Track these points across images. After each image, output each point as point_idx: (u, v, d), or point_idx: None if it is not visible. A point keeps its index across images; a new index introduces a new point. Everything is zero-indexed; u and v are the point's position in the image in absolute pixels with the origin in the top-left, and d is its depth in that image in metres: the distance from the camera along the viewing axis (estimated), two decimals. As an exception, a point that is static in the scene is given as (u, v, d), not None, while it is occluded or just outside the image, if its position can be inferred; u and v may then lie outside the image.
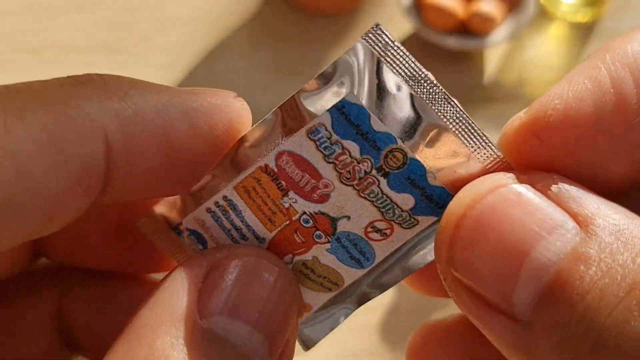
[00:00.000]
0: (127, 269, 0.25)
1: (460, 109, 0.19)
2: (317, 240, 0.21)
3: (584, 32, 0.61)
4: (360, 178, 0.20)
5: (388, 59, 0.19)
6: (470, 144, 0.19)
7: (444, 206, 0.19)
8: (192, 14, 0.59)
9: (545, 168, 0.19)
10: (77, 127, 0.18)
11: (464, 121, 0.19)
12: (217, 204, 0.21)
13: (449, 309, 0.23)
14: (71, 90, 0.18)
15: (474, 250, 0.18)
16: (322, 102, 0.20)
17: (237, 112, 0.20)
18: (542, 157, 0.19)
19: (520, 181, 0.18)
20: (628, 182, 0.19)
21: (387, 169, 0.20)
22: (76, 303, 0.25)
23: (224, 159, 0.21)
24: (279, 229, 0.21)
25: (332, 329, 0.22)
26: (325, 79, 0.20)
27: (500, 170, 0.19)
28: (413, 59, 0.19)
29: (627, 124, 0.18)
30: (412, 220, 0.20)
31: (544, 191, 0.18)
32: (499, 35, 0.57)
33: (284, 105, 0.20)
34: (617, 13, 0.61)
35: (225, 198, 0.21)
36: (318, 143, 0.20)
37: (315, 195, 0.20)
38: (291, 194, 0.20)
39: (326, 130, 0.20)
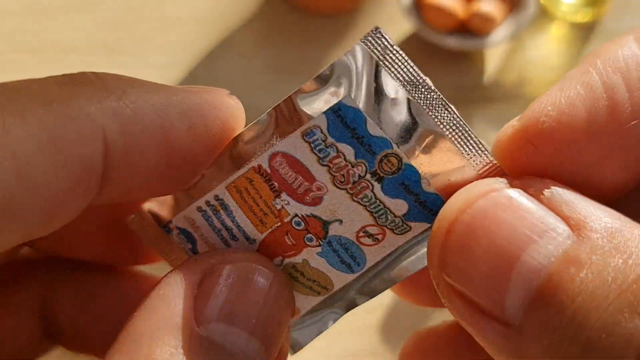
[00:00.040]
0: (113, 261, 0.25)
1: (457, 116, 0.19)
2: (308, 243, 0.21)
3: (584, 32, 0.60)
4: (354, 182, 0.20)
5: (387, 63, 0.19)
6: (466, 151, 0.19)
7: (437, 213, 0.19)
8: (192, 14, 0.59)
9: (539, 174, 0.18)
10: (77, 127, 0.18)
11: (460, 128, 0.19)
12: (208, 203, 0.21)
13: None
14: (71, 89, 0.18)
15: (466, 255, 0.17)
16: (319, 104, 0.19)
17: (231, 111, 0.20)
18: (536, 163, 0.19)
19: (513, 186, 0.18)
20: (622, 186, 0.19)
21: (381, 174, 0.20)
22: (61, 293, 0.24)
23: (218, 158, 0.20)
24: (270, 230, 0.21)
25: (320, 333, 0.22)
26: (323, 81, 0.19)
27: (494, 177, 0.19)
28: (412, 64, 0.19)
29: (620, 129, 0.18)
30: (405, 226, 0.20)
31: (536, 195, 0.18)
32: (499, 35, 0.57)
33: (280, 105, 0.20)
34: (617, 13, 0.61)
35: (216, 197, 0.21)
36: (313, 145, 0.20)
37: (308, 197, 0.20)
38: (284, 195, 0.20)
39: (321, 132, 0.19)
